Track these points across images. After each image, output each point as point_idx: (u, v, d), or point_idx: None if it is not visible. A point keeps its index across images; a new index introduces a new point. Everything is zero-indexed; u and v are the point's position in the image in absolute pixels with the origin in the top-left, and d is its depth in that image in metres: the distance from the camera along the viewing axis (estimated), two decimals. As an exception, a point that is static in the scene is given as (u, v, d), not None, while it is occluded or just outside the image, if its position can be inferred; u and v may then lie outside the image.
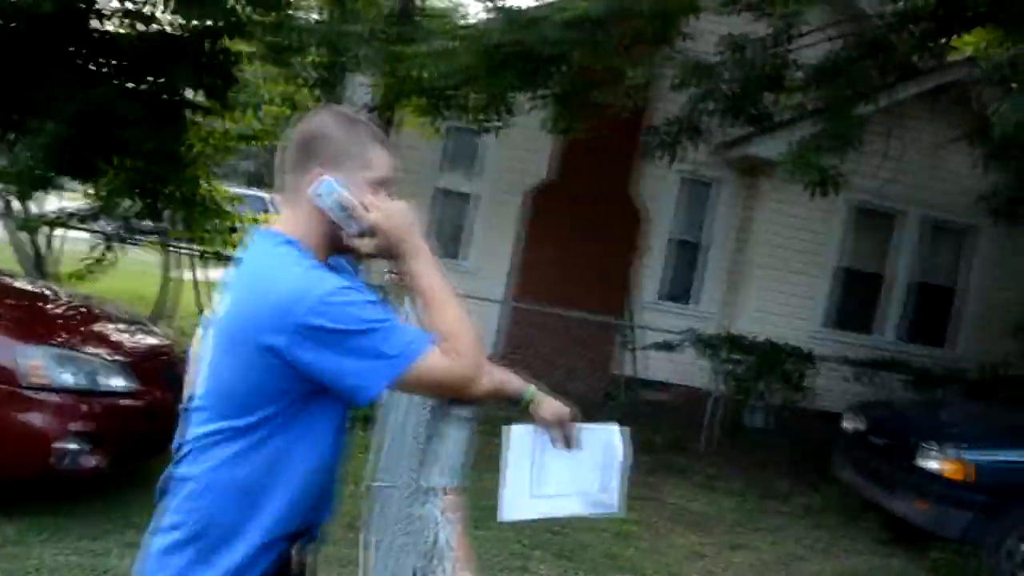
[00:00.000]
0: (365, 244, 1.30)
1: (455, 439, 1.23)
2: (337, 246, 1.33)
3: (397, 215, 1.28)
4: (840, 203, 8.18)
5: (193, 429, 1.31)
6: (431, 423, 1.33)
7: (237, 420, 1.24)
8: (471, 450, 1.26)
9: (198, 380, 1.33)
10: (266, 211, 17.13)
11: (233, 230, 7.25)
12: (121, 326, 4.35)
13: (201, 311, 6.98)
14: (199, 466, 1.28)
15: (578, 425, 1.61)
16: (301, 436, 1.25)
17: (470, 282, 8.05)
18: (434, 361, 1.21)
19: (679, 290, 9.02)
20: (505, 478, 1.59)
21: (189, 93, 6.63)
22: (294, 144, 1.31)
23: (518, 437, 1.61)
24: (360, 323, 1.19)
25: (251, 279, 1.26)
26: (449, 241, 8.63)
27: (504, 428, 1.62)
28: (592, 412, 1.79)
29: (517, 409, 1.58)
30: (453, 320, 1.24)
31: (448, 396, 1.26)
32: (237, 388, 1.24)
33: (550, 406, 1.61)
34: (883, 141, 7.47)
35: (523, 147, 8.26)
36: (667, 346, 7.52)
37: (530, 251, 8.57)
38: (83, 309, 4.45)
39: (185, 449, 1.31)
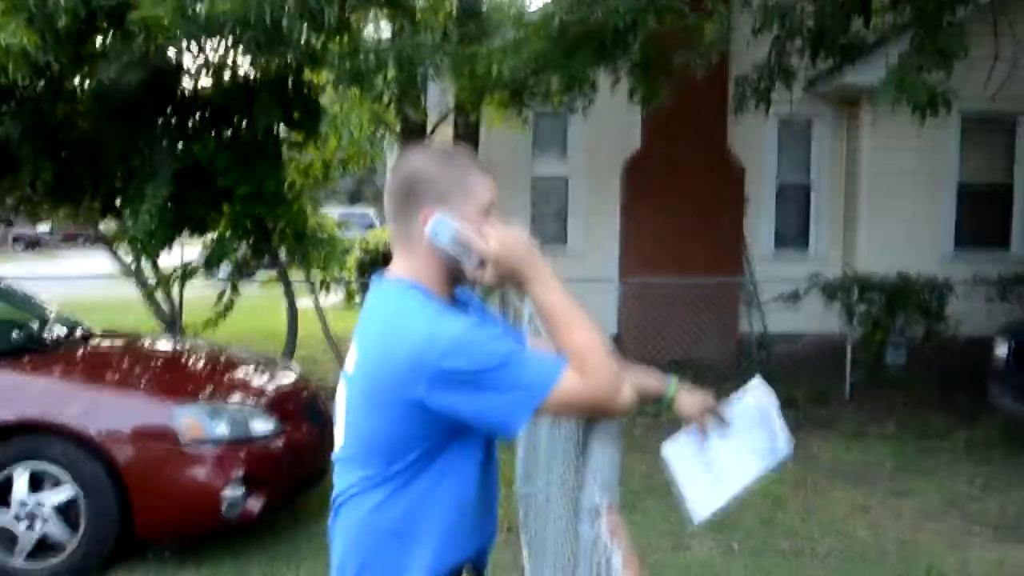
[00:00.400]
0: (486, 274, 1.29)
1: (607, 455, 1.21)
2: (459, 279, 1.33)
3: (513, 241, 1.27)
4: (951, 117, 7.63)
5: (339, 480, 1.34)
6: (580, 440, 1.32)
7: (382, 468, 1.26)
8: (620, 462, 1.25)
9: (337, 433, 1.35)
10: (371, 226, 17.95)
11: (345, 252, 7.23)
12: (258, 369, 4.45)
13: (328, 337, 7.00)
14: (350, 516, 1.31)
15: (724, 402, 1.60)
16: (446, 472, 1.26)
17: (579, 265, 7.92)
18: (571, 384, 1.20)
19: (794, 237, 8.70)
20: (682, 491, 1.59)
21: (282, 132, 6.69)
22: (395, 192, 1.31)
23: (675, 453, 1.61)
24: (494, 359, 1.19)
25: (381, 331, 1.26)
26: (552, 227, 8.53)
27: (662, 452, 1.61)
28: (727, 377, 1.70)
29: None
30: (582, 338, 1.22)
31: (592, 415, 1.24)
32: (378, 439, 1.26)
33: (691, 401, 1.59)
34: (990, 43, 6.90)
35: (612, 121, 8.09)
36: (793, 296, 7.26)
37: (635, 224, 8.41)
38: (221, 359, 4.57)
39: (337, 502, 1.35)
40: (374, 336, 1.27)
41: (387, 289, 1.31)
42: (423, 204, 1.29)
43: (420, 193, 1.29)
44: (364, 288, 8.23)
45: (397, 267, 1.33)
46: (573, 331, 1.23)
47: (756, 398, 1.61)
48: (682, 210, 8.23)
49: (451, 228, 1.28)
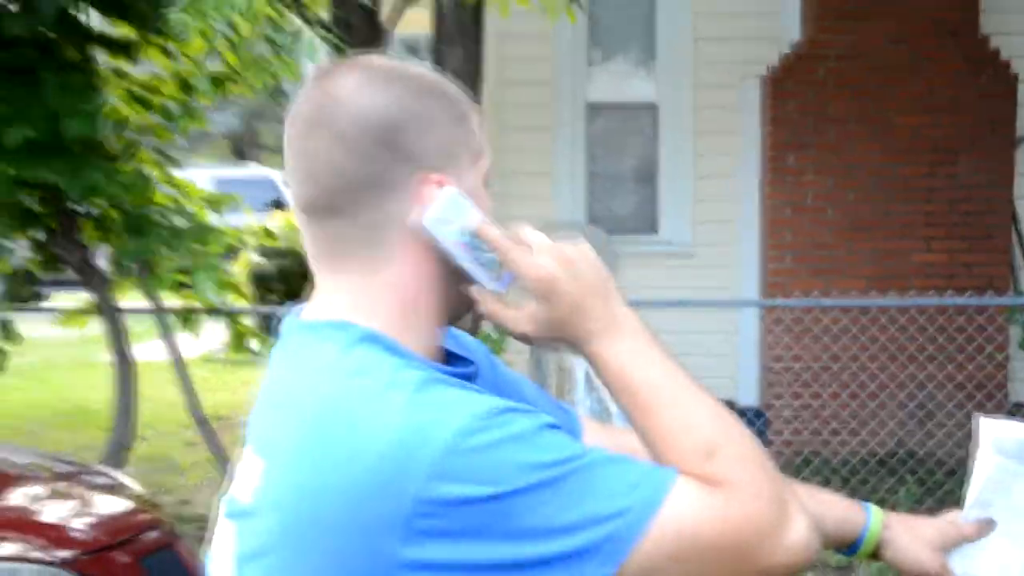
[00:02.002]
0: (521, 316, 1.35)
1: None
2: (455, 315, 1.40)
3: (581, 261, 1.34)
4: None
5: None
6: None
7: None
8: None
9: None
10: (280, 203, 17.53)
11: (231, 253, 7.34)
12: (58, 489, 4.46)
13: (198, 419, 7.05)
14: None
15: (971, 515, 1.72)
16: None
17: (680, 273, 8.11)
18: (693, 508, 1.21)
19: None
20: None
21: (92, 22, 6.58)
22: (349, 141, 1.31)
23: None
24: (530, 472, 1.18)
25: (309, 432, 1.25)
26: (627, 202, 8.66)
27: None
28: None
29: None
30: (708, 421, 1.29)
31: (734, 570, 1.24)
32: None
33: (914, 545, 1.67)
34: None
35: None
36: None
37: (789, 191, 8.07)
38: None
39: None
40: (295, 441, 1.26)
41: (316, 344, 1.33)
42: (418, 166, 1.32)
43: (409, 146, 1.32)
44: (267, 323, 8.71)
45: (333, 296, 1.36)
46: (691, 418, 1.29)
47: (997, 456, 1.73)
48: (887, 163, 7.89)
49: (468, 217, 1.34)
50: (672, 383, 1.30)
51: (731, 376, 7.96)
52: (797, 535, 1.23)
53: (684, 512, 1.20)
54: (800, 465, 7.02)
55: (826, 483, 6.81)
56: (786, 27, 8.12)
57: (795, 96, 7.95)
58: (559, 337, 1.34)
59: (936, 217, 7.97)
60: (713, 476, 1.23)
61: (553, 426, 1.24)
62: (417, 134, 1.32)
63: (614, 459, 1.24)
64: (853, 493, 6.64)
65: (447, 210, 1.31)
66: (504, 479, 1.18)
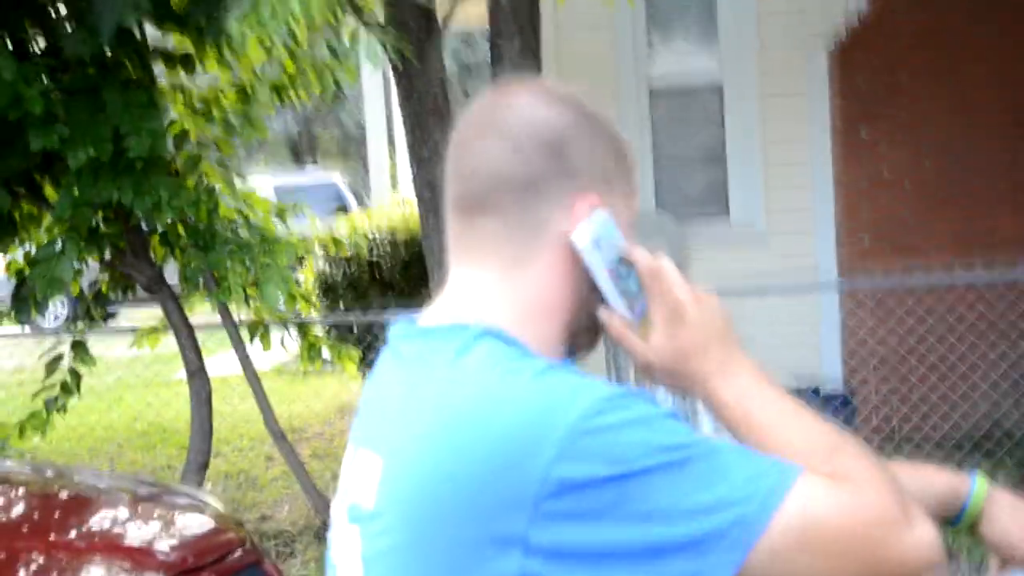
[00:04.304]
0: (647, 346, 1.41)
1: None
2: (575, 333, 1.43)
3: (713, 308, 1.41)
4: None
5: None
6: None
7: None
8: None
9: None
10: (343, 204, 17.48)
11: (296, 264, 7.57)
12: (137, 509, 4.46)
13: (275, 428, 7.06)
14: None
15: None
16: None
17: (754, 254, 8.04)
18: (820, 496, 1.23)
19: None
20: None
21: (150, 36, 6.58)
22: (516, 143, 1.38)
23: None
24: (657, 454, 1.21)
25: (433, 423, 1.29)
26: (695, 182, 8.64)
27: None
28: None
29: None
30: (824, 435, 1.31)
31: (861, 564, 1.25)
32: None
33: (1016, 531, 1.64)
34: None
35: None
36: None
37: (862, 165, 8.01)
38: (60, 495, 4.61)
39: None
40: (417, 435, 1.30)
41: (435, 344, 1.36)
42: (577, 183, 1.38)
43: (572, 163, 1.38)
44: (343, 335, 8.79)
45: (459, 295, 1.41)
46: (809, 433, 1.32)
47: None
48: (965, 132, 7.77)
49: (617, 243, 1.40)
50: (789, 417, 1.33)
51: (814, 363, 7.86)
52: (924, 534, 1.24)
53: (811, 501, 1.22)
54: (892, 451, 6.94)
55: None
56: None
57: (864, 68, 7.85)
58: (678, 371, 1.39)
59: (1021, 189, 7.82)
60: (835, 473, 1.25)
61: (674, 415, 1.27)
62: (581, 153, 1.38)
63: (738, 448, 1.28)
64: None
65: (599, 231, 1.37)
66: (632, 459, 1.20)
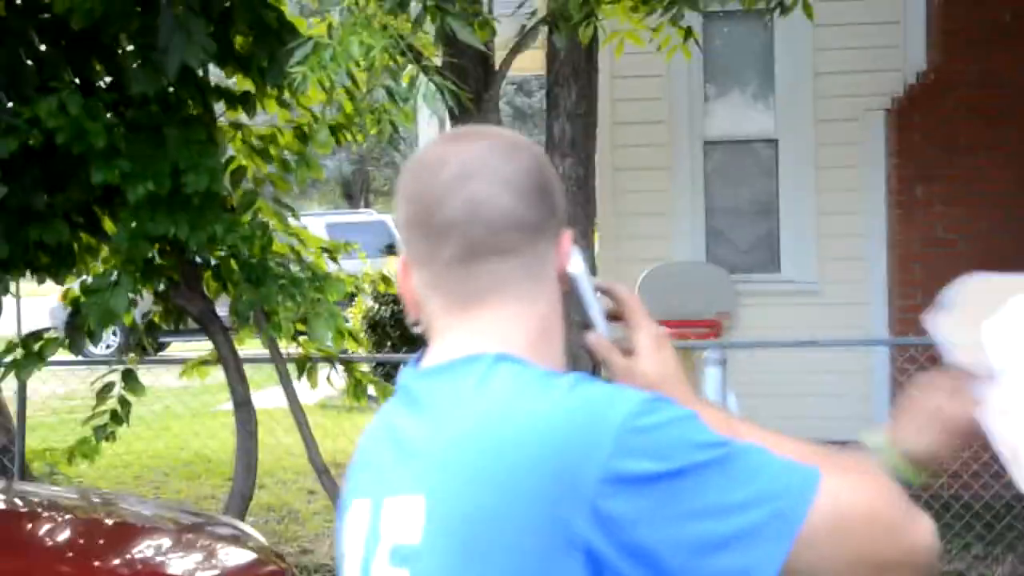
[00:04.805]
0: (636, 369, 1.50)
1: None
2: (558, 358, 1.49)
3: (669, 352, 1.52)
4: None
5: None
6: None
7: None
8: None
9: None
10: (392, 246, 17.51)
11: (351, 299, 7.25)
12: (182, 540, 4.43)
13: (318, 463, 6.94)
14: None
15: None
16: None
17: (807, 311, 8.11)
18: (843, 484, 1.29)
19: None
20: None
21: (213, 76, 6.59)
22: (517, 188, 1.43)
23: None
24: (702, 451, 1.26)
25: (475, 450, 1.31)
26: (747, 237, 8.66)
27: None
28: None
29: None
30: (808, 445, 1.40)
31: (886, 557, 1.30)
32: None
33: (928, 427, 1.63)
34: None
35: (858, 25, 8.09)
36: None
37: (917, 222, 8.00)
38: (106, 522, 4.58)
39: None
40: (467, 464, 1.32)
41: (452, 380, 1.39)
42: (560, 222, 1.47)
43: (555, 203, 1.47)
44: (389, 372, 8.87)
45: (464, 336, 1.43)
46: (797, 442, 1.41)
47: None
48: (1022, 192, 7.75)
49: (586, 269, 1.51)
50: (771, 433, 1.41)
51: (864, 418, 7.76)
52: (926, 519, 1.31)
53: (840, 491, 1.28)
54: (940, 510, 6.83)
55: (969, 529, 6.62)
56: (910, 57, 8.05)
57: (921, 127, 7.86)
58: (663, 392, 1.40)
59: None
60: (845, 468, 1.34)
61: (699, 416, 1.32)
62: (559, 193, 1.47)
63: (765, 447, 1.32)
64: (999, 539, 6.44)
65: (579, 261, 1.48)
66: (680, 455, 1.25)
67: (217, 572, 4.26)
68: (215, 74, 6.61)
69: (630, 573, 1.25)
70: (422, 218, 1.43)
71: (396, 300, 11.40)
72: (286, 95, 6.69)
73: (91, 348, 7.20)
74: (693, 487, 1.25)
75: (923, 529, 1.31)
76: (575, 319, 1.51)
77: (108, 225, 6.39)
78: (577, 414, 1.28)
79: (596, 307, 1.50)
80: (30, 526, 4.71)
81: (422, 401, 1.41)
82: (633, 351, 1.51)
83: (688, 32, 6.28)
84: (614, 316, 1.54)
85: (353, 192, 28.94)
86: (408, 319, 1.56)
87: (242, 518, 6.24)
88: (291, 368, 6.88)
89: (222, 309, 6.78)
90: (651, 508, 1.24)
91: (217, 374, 7.07)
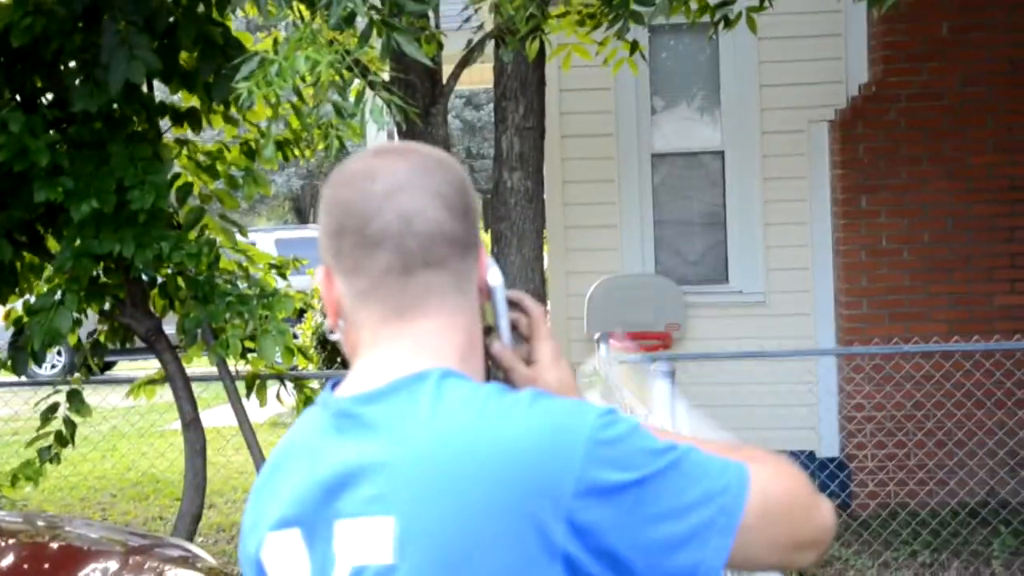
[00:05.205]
0: (539, 378, 1.54)
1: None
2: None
3: (565, 363, 1.58)
4: None
5: None
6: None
7: None
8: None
9: None
10: None
11: (300, 316, 7.26)
12: (129, 564, 4.32)
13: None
14: None
15: None
16: None
17: (754, 322, 8.14)
18: (765, 473, 1.38)
19: None
20: None
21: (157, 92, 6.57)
22: (449, 201, 1.46)
23: None
24: (658, 458, 1.33)
25: (445, 465, 1.33)
26: (695, 249, 8.64)
27: None
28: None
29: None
30: (713, 440, 1.49)
31: (802, 542, 1.40)
32: None
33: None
34: None
35: (800, 38, 8.15)
36: None
37: (862, 231, 8.02)
38: (50, 546, 4.51)
39: None
40: (437, 481, 1.33)
41: (398, 402, 1.40)
42: (477, 234, 1.50)
43: (475, 218, 1.50)
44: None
45: (404, 354, 1.44)
46: (705, 439, 1.48)
47: None
48: (964, 203, 7.80)
49: (502, 281, 1.55)
50: (689, 436, 1.50)
51: (811, 427, 7.86)
52: (829, 503, 1.42)
53: (764, 481, 1.37)
54: (887, 518, 6.89)
55: (915, 536, 6.68)
56: (852, 70, 8.10)
57: (865, 138, 7.90)
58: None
59: (1020, 258, 7.80)
60: (754, 459, 1.40)
61: (644, 426, 1.41)
62: (478, 210, 1.51)
63: (695, 446, 1.39)
64: (945, 545, 6.50)
65: (500, 275, 1.53)
66: (642, 464, 1.32)
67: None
68: (160, 90, 6.57)
69: (600, 575, 1.32)
70: (353, 228, 1.44)
71: (346, 316, 11.42)
72: (232, 111, 6.71)
73: (35, 368, 7.08)
74: (654, 493, 1.31)
75: (828, 509, 1.40)
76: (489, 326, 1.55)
77: (52, 244, 6.43)
78: (546, 430, 1.33)
79: (505, 318, 1.54)
80: (-26, 550, 4.64)
81: (371, 424, 1.40)
82: (534, 361, 1.57)
83: (634, 46, 6.27)
84: (515, 326, 1.57)
85: (302, 207, 28.76)
86: (327, 326, 1.58)
87: (192, 539, 6.19)
88: (240, 386, 6.85)
89: (169, 327, 6.75)
90: (620, 516, 1.30)
91: (165, 393, 7.02)
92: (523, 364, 1.56)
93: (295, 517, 1.43)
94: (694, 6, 6.10)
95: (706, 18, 6.30)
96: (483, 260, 1.51)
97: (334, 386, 1.49)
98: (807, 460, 7.72)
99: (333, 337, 1.54)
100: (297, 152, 7.32)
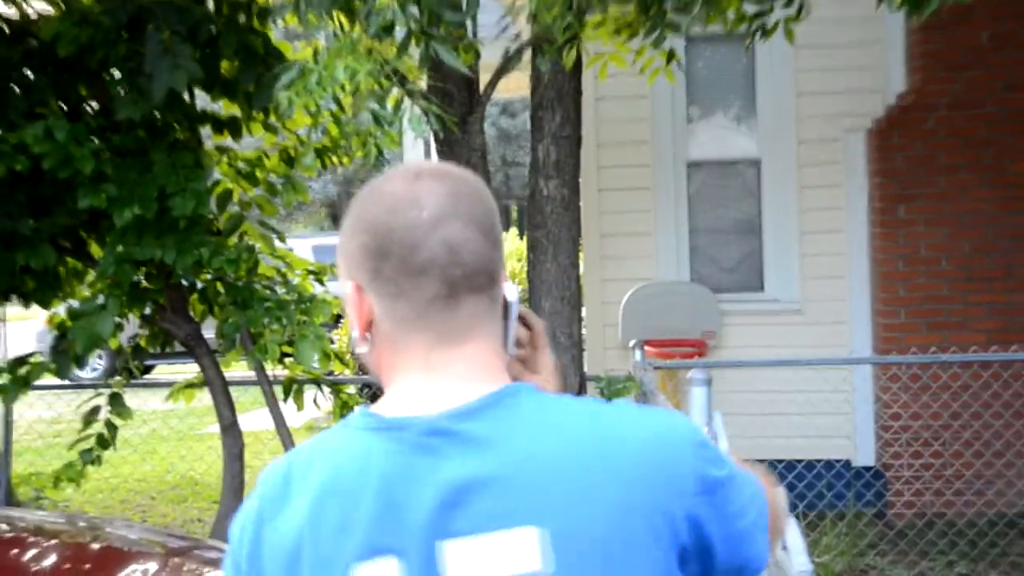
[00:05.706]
0: (546, 387, 1.61)
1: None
2: None
3: (558, 373, 1.69)
4: None
5: None
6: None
7: None
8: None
9: None
10: None
11: (337, 321, 7.15)
12: (174, 562, 4.26)
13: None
14: None
15: None
16: None
17: (791, 331, 8.08)
18: (768, 489, 1.55)
19: None
20: None
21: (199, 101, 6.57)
22: (490, 227, 1.51)
23: None
24: (728, 461, 1.47)
25: (581, 471, 1.38)
26: (730, 257, 8.59)
27: None
28: None
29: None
30: None
31: (779, 535, 1.64)
32: None
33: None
34: None
35: (837, 48, 8.03)
36: None
37: (899, 241, 7.94)
38: (91, 547, 4.44)
39: None
40: (584, 486, 1.37)
41: (497, 416, 1.42)
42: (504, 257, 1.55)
43: (502, 241, 1.54)
44: (375, 394, 8.77)
45: (469, 372, 1.47)
46: None
47: None
48: (1003, 211, 7.75)
49: (518, 296, 1.58)
50: None
51: (847, 436, 7.76)
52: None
53: (769, 490, 1.55)
54: (923, 528, 6.84)
55: (952, 546, 6.64)
56: (890, 78, 8.04)
57: (902, 147, 7.82)
58: None
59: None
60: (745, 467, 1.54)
61: None
62: (501, 232, 1.55)
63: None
64: (982, 556, 6.45)
65: (515, 290, 1.57)
66: (726, 464, 1.45)
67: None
68: (201, 99, 6.61)
69: (695, 565, 1.43)
70: (399, 255, 1.44)
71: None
72: (272, 119, 6.72)
73: (78, 372, 7.14)
74: (734, 490, 1.44)
75: (786, 508, 1.68)
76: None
77: (95, 249, 6.42)
78: (663, 431, 1.43)
79: (514, 331, 1.57)
80: (16, 552, 4.62)
81: (475, 439, 1.39)
82: (536, 371, 1.66)
83: (671, 55, 6.22)
84: (518, 339, 1.63)
85: (339, 214, 28.81)
86: (353, 341, 1.56)
87: (229, 541, 6.25)
88: (277, 390, 6.85)
89: (208, 332, 6.74)
90: (717, 509, 1.42)
91: (204, 397, 7.04)
92: (528, 373, 1.64)
93: (389, 545, 1.38)
94: (731, 15, 6.09)
95: (742, 28, 6.29)
96: (504, 278, 1.54)
97: (371, 403, 1.50)
98: (843, 469, 7.69)
99: (359, 350, 1.54)
100: (335, 160, 7.31)
